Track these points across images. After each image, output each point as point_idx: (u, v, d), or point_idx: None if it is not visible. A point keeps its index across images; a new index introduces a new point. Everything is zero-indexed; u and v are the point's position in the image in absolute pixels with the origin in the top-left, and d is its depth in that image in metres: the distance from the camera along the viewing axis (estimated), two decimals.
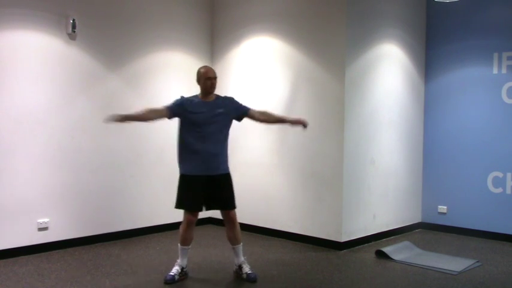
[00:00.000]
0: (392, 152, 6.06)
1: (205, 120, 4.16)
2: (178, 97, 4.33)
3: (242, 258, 4.37)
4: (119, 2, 5.68)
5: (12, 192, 4.89)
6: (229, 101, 4.35)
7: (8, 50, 4.85)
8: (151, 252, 5.19)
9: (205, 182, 4.18)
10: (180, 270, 4.26)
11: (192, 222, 4.24)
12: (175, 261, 4.35)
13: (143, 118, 4.20)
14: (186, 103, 4.22)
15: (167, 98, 6.09)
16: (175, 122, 6.20)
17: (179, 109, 4.21)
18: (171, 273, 4.23)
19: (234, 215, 4.30)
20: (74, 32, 5.23)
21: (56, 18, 5.14)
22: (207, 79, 4.23)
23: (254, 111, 4.38)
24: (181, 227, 4.28)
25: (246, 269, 4.32)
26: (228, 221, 4.31)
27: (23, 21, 4.93)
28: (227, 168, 4.32)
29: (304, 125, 4.37)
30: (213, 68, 6.61)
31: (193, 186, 4.19)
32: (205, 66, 4.40)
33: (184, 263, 4.30)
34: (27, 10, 4.94)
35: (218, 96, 4.35)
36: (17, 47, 4.90)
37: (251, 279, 4.25)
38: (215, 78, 4.26)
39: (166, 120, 6.29)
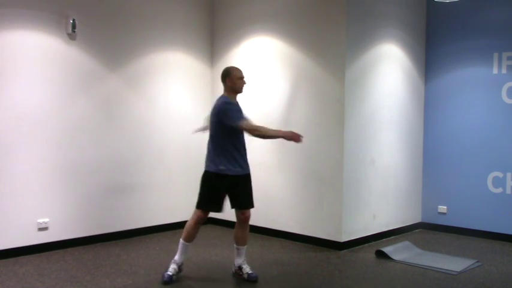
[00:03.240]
0: (392, 152, 6.06)
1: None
2: (230, 104, 4.21)
3: (242, 259, 4.37)
4: (118, 2, 5.68)
5: (12, 192, 4.89)
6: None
7: (8, 50, 4.85)
8: (151, 252, 5.19)
9: (232, 180, 4.17)
10: (177, 269, 4.25)
11: (202, 221, 4.24)
12: (173, 259, 4.34)
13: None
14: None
15: (167, 98, 6.16)
16: (175, 124, 6.24)
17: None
18: (168, 273, 4.21)
19: (249, 215, 4.29)
20: (74, 32, 5.23)
21: (56, 18, 5.14)
22: (241, 78, 4.25)
23: None
24: (188, 222, 4.25)
25: (247, 269, 4.32)
26: (241, 220, 4.29)
27: (23, 21, 4.92)
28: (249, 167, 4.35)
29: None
30: (213, 68, 6.66)
31: (218, 184, 4.18)
32: (233, 66, 4.38)
33: (182, 259, 4.28)
34: (27, 10, 4.94)
35: None
36: (17, 47, 4.90)
37: (252, 278, 4.25)
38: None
39: (171, 120, 6.29)
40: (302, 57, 5.68)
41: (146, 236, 5.87)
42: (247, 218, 4.29)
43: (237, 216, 4.32)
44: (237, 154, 4.18)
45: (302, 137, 4.14)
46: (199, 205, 4.23)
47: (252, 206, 4.32)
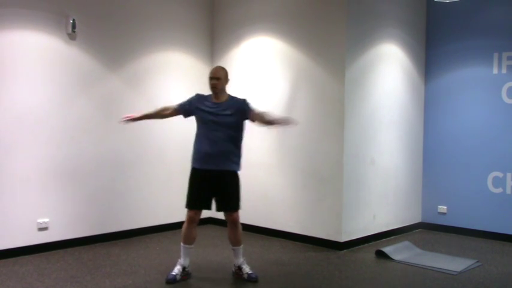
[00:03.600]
0: (392, 152, 6.06)
1: (211, 121, 4.18)
2: (194, 94, 4.41)
3: (241, 259, 4.36)
4: (118, 2, 5.68)
5: (12, 192, 4.89)
6: (239, 103, 4.29)
7: (8, 50, 4.85)
8: (151, 252, 5.19)
9: (210, 178, 4.17)
10: (181, 270, 4.26)
11: (193, 220, 4.23)
12: (177, 260, 4.35)
13: (154, 115, 4.45)
14: (196, 100, 4.31)
15: (167, 98, 6.14)
16: (175, 124, 6.23)
17: (189, 105, 4.32)
18: (172, 273, 4.23)
19: (237, 216, 4.28)
20: (74, 32, 5.23)
21: (56, 18, 5.14)
22: (209, 79, 4.28)
23: (254, 115, 4.30)
24: (183, 225, 4.28)
25: (247, 269, 4.31)
26: (230, 222, 4.29)
27: (23, 21, 4.92)
28: (235, 167, 4.29)
29: (291, 123, 4.36)
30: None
31: (198, 181, 4.20)
32: (214, 67, 4.41)
33: (187, 262, 4.29)
34: (27, 10, 4.94)
35: (232, 98, 4.32)
36: (16, 47, 4.90)
37: (252, 279, 4.25)
38: (216, 78, 4.22)
39: (171, 120, 6.34)
40: (302, 57, 5.68)
41: (146, 236, 5.87)
42: (235, 219, 4.26)
43: (225, 218, 4.32)
44: (201, 147, 4.20)
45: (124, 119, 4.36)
46: (186, 204, 4.27)
47: (236, 208, 4.27)
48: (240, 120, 4.27)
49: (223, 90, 4.28)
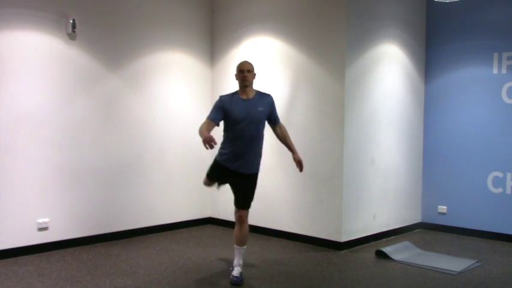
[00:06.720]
0: (392, 152, 6.06)
1: (244, 119, 4.15)
2: (218, 100, 4.31)
3: (238, 261, 4.29)
4: (119, 2, 5.68)
5: (12, 192, 4.89)
6: (269, 99, 4.35)
7: (8, 50, 4.85)
8: (151, 252, 5.19)
9: (233, 175, 4.21)
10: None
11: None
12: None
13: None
14: (224, 102, 4.23)
15: (167, 98, 6.16)
16: (175, 124, 6.24)
17: (220, 114, 4.22)
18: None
19: (244, 215, 4.26)
20: (74, 32, 5.23)
21: (56, 18, 5.14)
22: (239, 72, 4.23)
23: (279, 125, 4.44)
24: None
25: (235, 272, 4.25)
26: (237, 219, 4.27)
27: (23, 21, 4.92)
28: (258, 168, 4.35)
29: (300, 168, 4.44)
30: (213, 68, 6.66)
31: (221, 172, 4.27)
32: (241, 61, 4.37)
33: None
34: (27, 10, 4.94)
35: (259, 93, 4.34)
36: (17, 47, 4.90)
37: (233, 282, 4.19)
38: (248, 71, 4.21)
39: (171, 120, 6.35)
40: (302, 57, 5.68)
41: (146, 236, 5.87)
42: (242, 217, 4.26)
43: (234, 214, 4.32)
44: (231, 146, 4.20)
45: (209, 146, 3.87)
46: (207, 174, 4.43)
47: (246, 207, 4.28)
48: (267, 116, 4.31)
49: (252, 84, 4.27)
